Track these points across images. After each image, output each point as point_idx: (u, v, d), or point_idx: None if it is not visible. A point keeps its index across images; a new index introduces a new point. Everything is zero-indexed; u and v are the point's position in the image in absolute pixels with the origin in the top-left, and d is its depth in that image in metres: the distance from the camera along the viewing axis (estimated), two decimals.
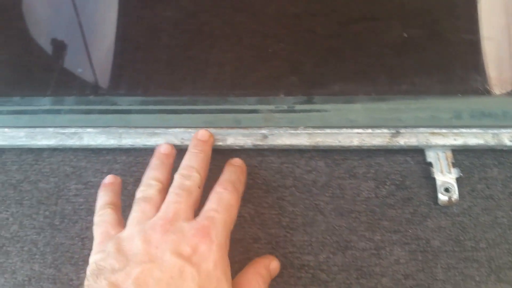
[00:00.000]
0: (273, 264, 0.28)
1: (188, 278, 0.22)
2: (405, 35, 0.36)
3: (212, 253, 0.23)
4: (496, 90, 0.34)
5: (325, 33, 0.36)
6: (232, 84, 0.35)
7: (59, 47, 0.38)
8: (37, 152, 0.34)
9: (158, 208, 0.26)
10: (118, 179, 0.31)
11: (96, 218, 0.28)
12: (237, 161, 0.32)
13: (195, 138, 0.31)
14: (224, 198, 0.26)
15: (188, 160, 0.29)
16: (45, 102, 0.35)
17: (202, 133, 0.31)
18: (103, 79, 0.36)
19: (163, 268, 0.22)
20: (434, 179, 0.31)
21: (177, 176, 0.28)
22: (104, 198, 0.29)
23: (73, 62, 0.37)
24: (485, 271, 0.29)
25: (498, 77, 0.34)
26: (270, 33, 0.36)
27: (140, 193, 0.28)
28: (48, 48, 0.38)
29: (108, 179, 0.31)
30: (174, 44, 0.37)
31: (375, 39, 0.36)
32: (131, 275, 0.22)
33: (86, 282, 0.23)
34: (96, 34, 0.38)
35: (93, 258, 0.24)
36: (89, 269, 0.24)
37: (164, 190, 0.28)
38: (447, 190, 0.31)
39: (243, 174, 0.31)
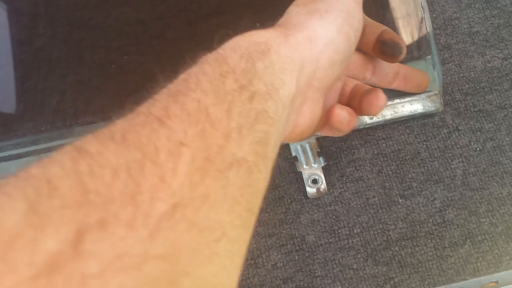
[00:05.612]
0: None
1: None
2: (258, 25, 0.34)
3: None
4: None
5: (176, 36, 0.34)
6: (75, 112, 0.31)
7: None
8: None
9: None
10: None
11: None
12: None
13: None
14: None
15: None
16: None
17: None
18: None
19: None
20: (301, 173, 0.30)
21: None
22: None
23: None
24: (361, 257, 0.29)
25: None
26: (114, 46, 0.33)
27: None
28: None
29: None
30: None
31: (229, 33, 0.33)
32: None
33: None
34: None
35: None
36: None
37: None
38: (314, 181, 0.30)
39: None
